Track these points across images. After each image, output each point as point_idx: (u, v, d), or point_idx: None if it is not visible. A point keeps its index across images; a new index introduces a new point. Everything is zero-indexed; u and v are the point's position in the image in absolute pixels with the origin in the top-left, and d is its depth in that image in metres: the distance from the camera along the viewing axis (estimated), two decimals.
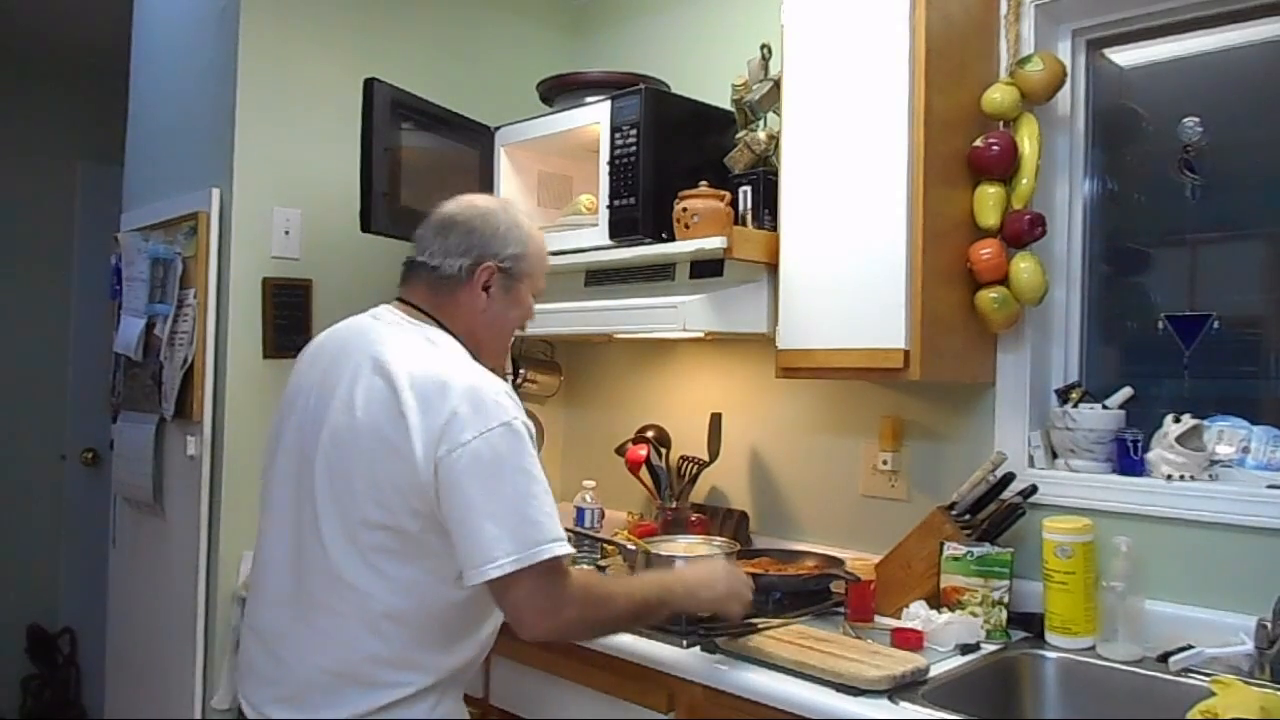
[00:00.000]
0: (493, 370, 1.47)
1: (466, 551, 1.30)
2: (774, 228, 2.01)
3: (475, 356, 1.47)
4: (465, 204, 1.56)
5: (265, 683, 1.43)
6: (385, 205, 2.11)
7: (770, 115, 2.14)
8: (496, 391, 1.37)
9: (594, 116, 2.14)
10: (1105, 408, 1.87)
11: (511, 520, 1.30)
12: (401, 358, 1.39)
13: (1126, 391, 1.87)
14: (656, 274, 2.12)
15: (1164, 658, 1.61)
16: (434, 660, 1.40)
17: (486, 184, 2.39)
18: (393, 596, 1.35)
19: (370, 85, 2.10)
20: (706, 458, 2.39)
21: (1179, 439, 1.75)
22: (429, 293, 1.53)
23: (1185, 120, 1.87)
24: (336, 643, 1.36)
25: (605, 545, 2.20)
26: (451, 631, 1.42)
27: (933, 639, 1.69)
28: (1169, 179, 1.89)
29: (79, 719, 3.86)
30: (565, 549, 1.33)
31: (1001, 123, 1.90)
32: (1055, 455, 1.94)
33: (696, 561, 1.85)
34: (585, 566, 2.00)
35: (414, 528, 1.34)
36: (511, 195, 2.40)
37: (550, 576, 1.32)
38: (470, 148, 2.37)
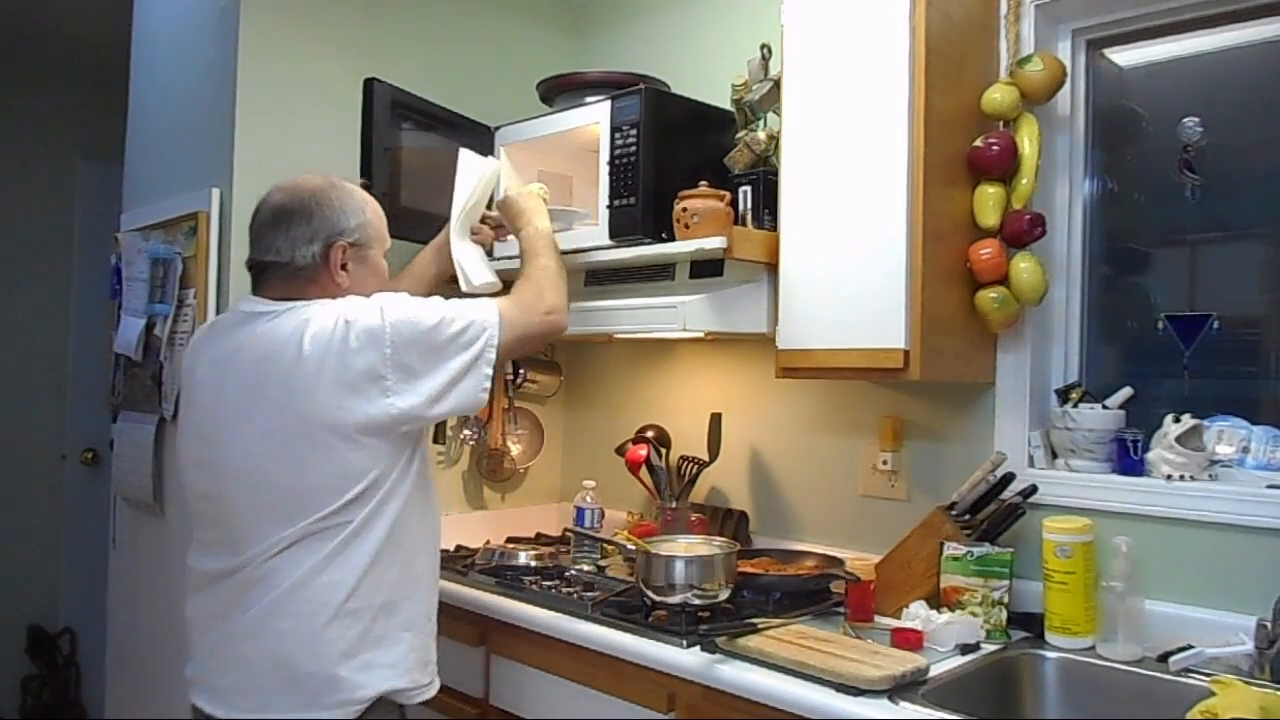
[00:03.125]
0: None
1: None
2: (774, 228, 2.01)
3: None
4: (290, 190, 1.57)
5: None
6: (385, 205, 2.09)
7: (770, 115, 2.14)
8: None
9: (594, 116, 2.14)
10: (1105, 408, 1.87)
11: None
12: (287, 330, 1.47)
13: (1126, 391, 1.87)
14: (656, 274, 2.12)
15: (1164, 658, 1.61)
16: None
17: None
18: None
19: (370, 85, 2.10)
20: (706, 458, 2.39)
21: (1179, 439, 1.75)
22: (287, 287, 1.54)
23: (1185, 120, 1.87)
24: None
25: (605, 545, 2.20)
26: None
27: (932, 639, 1.69)
28: (1169, 179, 1.89)
29: (79, 719, 3.86)
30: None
31: (1001, 123, 1.90)
32: (1055, 455, 1.94)
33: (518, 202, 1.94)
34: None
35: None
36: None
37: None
38: (470, 147, 2.36)
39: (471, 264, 1.96)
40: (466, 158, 2.00)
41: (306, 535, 1.44)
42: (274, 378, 1.44)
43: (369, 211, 1.60)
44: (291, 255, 1.52)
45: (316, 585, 1.44)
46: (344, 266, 1.55)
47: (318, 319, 1.46)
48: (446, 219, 1.98)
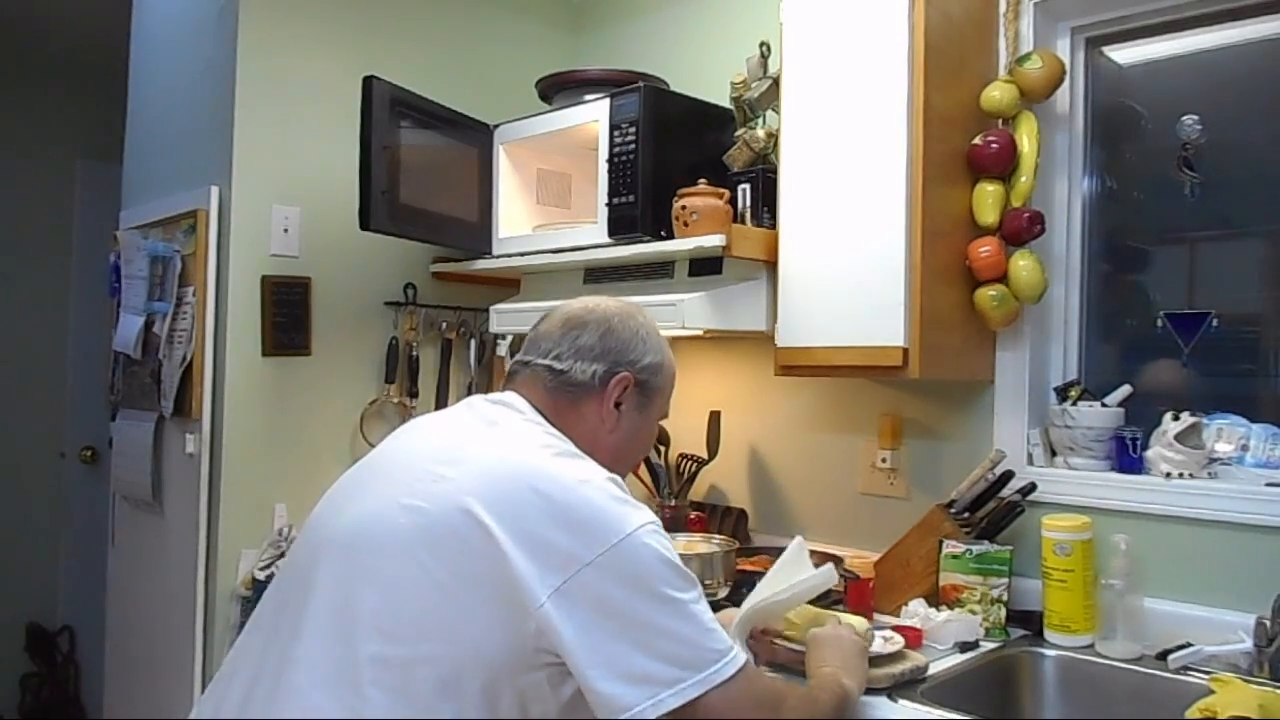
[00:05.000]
0: None
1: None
2: (773, 225, 2.01)
3: None
4: (592, 304, 1.34)
5: None
6: (384, 203, 2.11)
7: (769, 113, 2.14)
8: (604, 477, 1.16)
9: (593, 114, 2.14)
10: (1104, 405, 1.87)
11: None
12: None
13: (1125, 389, 1.87)
14: (655, 272, 2.12)
15: (1163, 655, 1.61)
16: None
17: (486, 182, 2.39)
18: None
19: (369, 83, 2.10)
20: (705, 455, 2.39)
21: (1178, 437, 1.75)
22: (548, 398, 1.28)
23: (1184, 118, 1.87)
24: None
25: None
26: None
27: (931, 637, 1.70)
28: (1168, 177, 1.89)
29: (78, 718, 3.86)
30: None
31: (1000, 120, 1.90)
32: (1054, 453, 1.94)
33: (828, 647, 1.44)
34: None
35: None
36: (510, 193, 2.40)
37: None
38: (469, 145, 2.37)
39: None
40: (801, 557, 1.58)
41: None
42: None
43: (665, 356, 1.35)
44: (571, 365, 1.28)
45: None
46: (619, 403, 1.30)
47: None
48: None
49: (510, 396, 1.29)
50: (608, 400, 1.28)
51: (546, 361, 1.29)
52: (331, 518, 1.23)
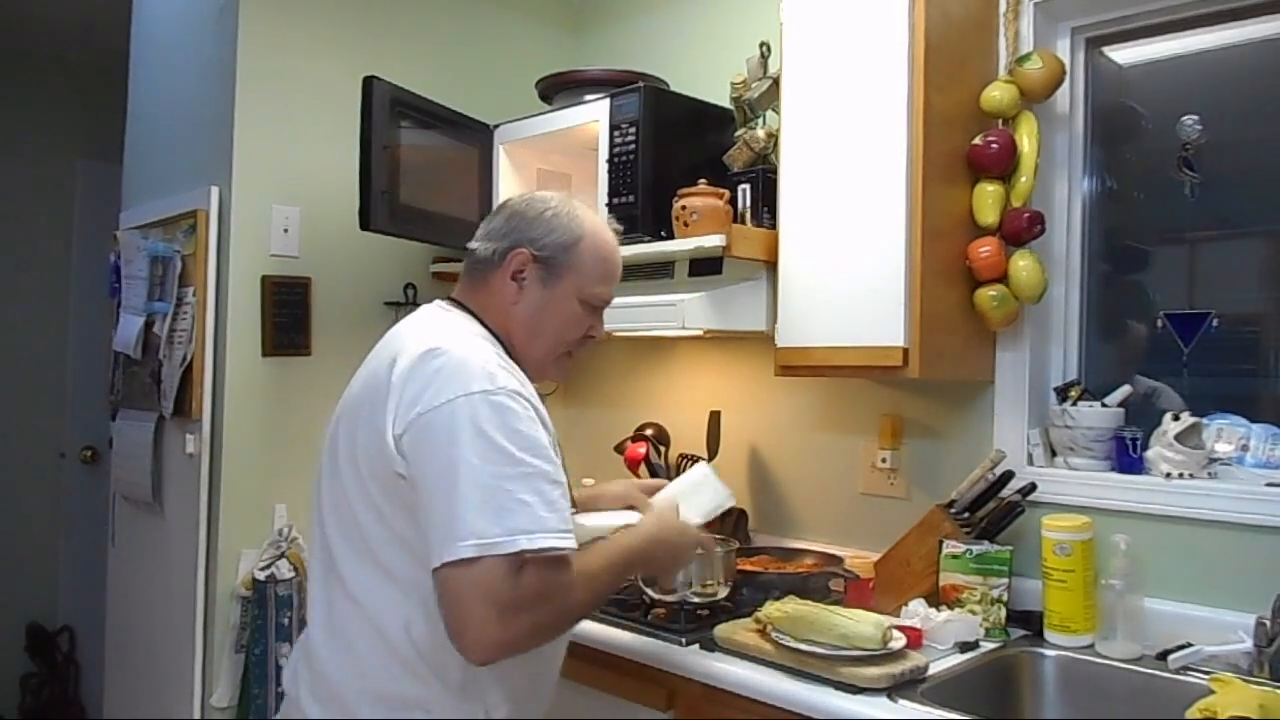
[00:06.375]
0: (532, 380, 1.34)
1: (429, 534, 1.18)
2: (773, 226, 2.01)
3: (512, 358, 1.34)
4: (524, 193, 1.46)
5: None
6: (384, 203, 2.11)
7: (769, 113, 2.14)
8: (483, 360, 1.24)
9: (593, 114, 2.14)
10: (1104, 405, 1.87)
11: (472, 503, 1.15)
12: (407, 338, 1.30)
13: (1125, 389, 1.87)
14: (655, 272, 2.12)
15: (1163, 656, 1.61)
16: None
17: (486, 182, 2.39)
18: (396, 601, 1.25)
19: (369, 83, 2.10)
20: (706, 455, 2.39)
21: (1178, 437, 1.75)
22: (467, 281, 1.43)
23: (1184, 118, 1.87)
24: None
25: None
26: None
27: (932, 637, 1.69)
28: (1168, 177, 1.89)
29: (78, 718, 3.86)
30: (542, 542, 1.16)
31: (1000, 121, 1.90)
32: (1054, 453, 1.94)
33: (658, 528, 1.50)
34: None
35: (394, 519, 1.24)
36: (510, 193, 2.39)
37: (506, 573, 1.14)
38: (469, 146, 2.37)
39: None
40: (709, 480, 1.69)
41: None
42: None
43: (583, 241, 1.40)
44: (480, 244, 1.41)
45: None
46: (518, 275, 1.38)
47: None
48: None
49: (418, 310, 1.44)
50: (505, 273, 1.38)
51: (471, 246, 1.43)
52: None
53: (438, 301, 1.44)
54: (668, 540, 1.50)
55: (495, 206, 1.45)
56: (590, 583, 1.26)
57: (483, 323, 1.38)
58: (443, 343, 1.26)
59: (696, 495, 1.65)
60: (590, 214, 1.44)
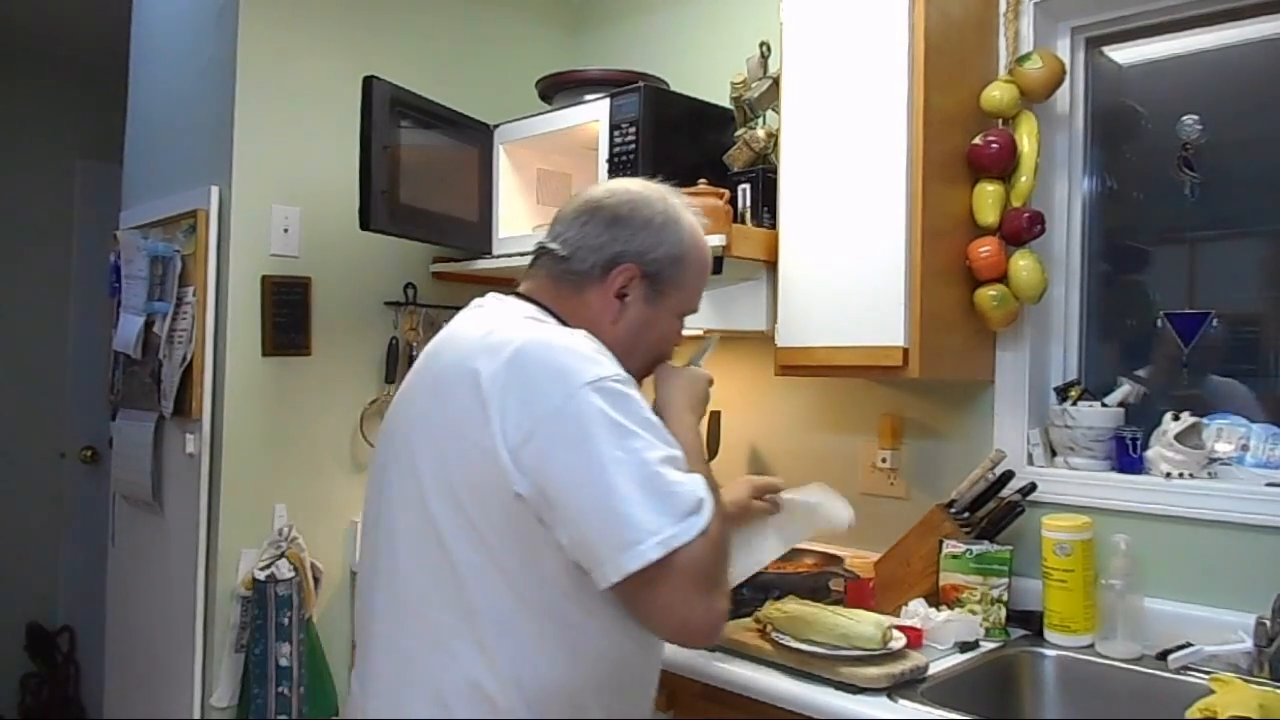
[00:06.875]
0: None
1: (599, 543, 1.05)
2: (773, 226, 2.01)
3: None
4: (616, 188, 1.29)
5: None
6: (384, 203, 2.11)
7: (769, 113, 2.14)
8: (585, 347, 1.13)
9: (593, 114, 2.14)
10: (1104, 405, 1.87)
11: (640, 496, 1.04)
12: (483, 338, 1.16)
13: (1126, 389, 1.87)
14: None
15: (1163, 655, 1.61)
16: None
17: (486, 182, 2.39)
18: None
19: (369, 83, 2.10)
20: (706, 456, 2.39)
21: (1178, 437, 1.75)
22: (552, 285, 1.26)
23: (1184, 118, 1.87)
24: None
25: None
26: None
27: (932, 637, 1.70)
28: (1168, 177, 1.89)
29: (78, 718, 3.86)
30: (706, 517, 1.07)
31: (1000, 120, 1.90)
32: (1054, 453, 1.94)
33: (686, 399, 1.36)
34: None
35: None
36: (510, 193, 2.40)
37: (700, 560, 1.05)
38: (469, 145, 2.37)
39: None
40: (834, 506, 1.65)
41: None
42: None
43: (691, 252, 1.29)
44: (573, 251, 1.25)
45: None
46: (623, 294, 1.25)
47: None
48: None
49: (487, 300, 1.28)
50: (609, 290, 1.24)
51: (554, 245, 1.26)
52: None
53: (501, 294, 1.29)
54: (691, 390, 1.36)
55: (583, 204, 1.28)
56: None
57: (565, 325, 1.23)
58: (533, 336, 1.14)
59: (817, 512, 1.63)
60: (688, 214, 1.31)
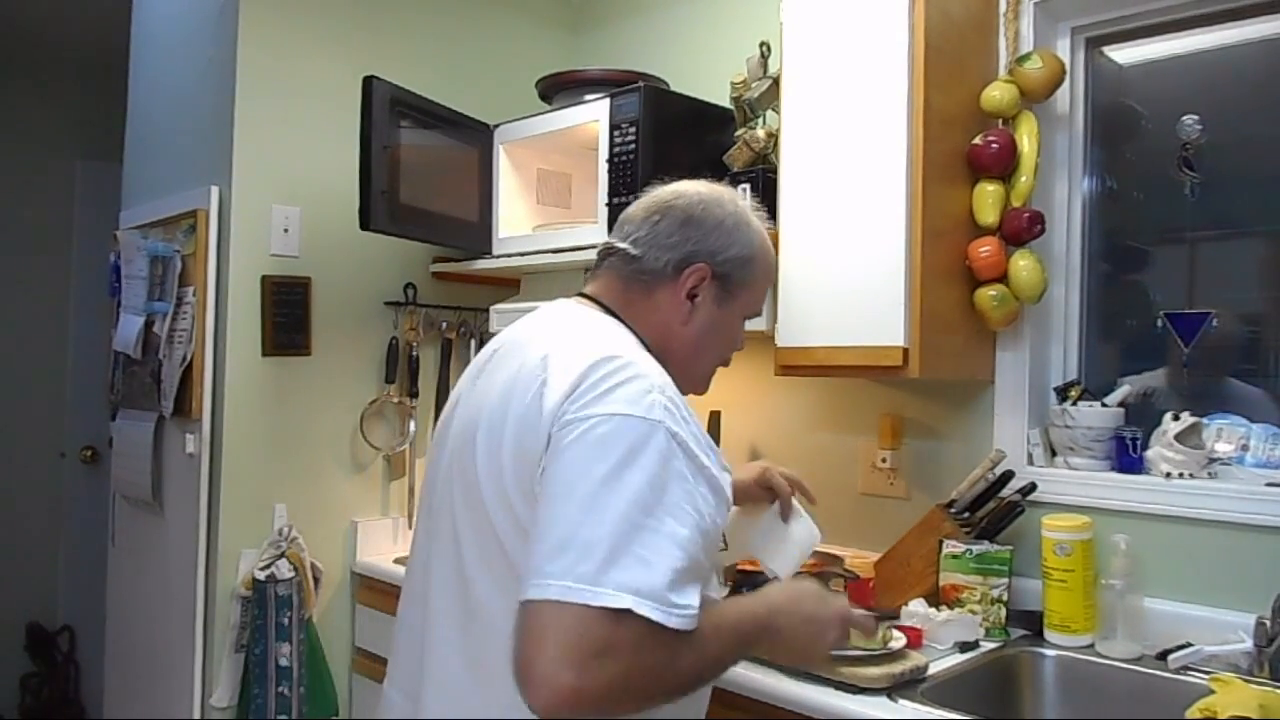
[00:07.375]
0: (681, 394, 1.12)
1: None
2: (773, 226, 2.01)
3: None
4: (684, 189, 1.27)
5: None
6: (384, 203, 2.11)
7: (769, 113, 2.14)
8: (662, 384, 1.07)
9: (593, 114, 2.14)
10: (1104, 405, 1.87)
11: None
12: (560, 340, 1.13)
13: (1126, 389, 1.87)
14: None
15: (1163, 655, 1.61)
16: None
17: (486, 182, 2.39)
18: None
19: (369, 83, 2.10)
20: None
21: (1178, 437, 1.75)
22: (620, 286, 1.24)
23: (1184, 118, 1.87)
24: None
25: None
26: None
27: (932, 637, 1.70)
28: (1168, 177, 1.89)
29: (78, 717, 3.86)
30: (644, 608, 0.91)
31: (1001, 120, 1.90)
32: (1054, 453, 1.94)
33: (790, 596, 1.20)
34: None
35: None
36: (510, 193, 2.40)
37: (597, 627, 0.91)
38: (469, 145, 2.37)
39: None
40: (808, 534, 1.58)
41: None
42: None
43: (759, 253, 1.28)
44: (645, 251, 1.22)
45: None
46: (693, 295, 1.22)
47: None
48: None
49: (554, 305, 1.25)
50: (680, 290, 1.22)
51: (624, 245, 1.24)
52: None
53: (574, 299, 1.26)
54: (810, 615, 1.18)
55: (652, 204, 1.26)
56: (709, 645, 1.00)
57: (634, 331, 1.21)
58: (616, 351, 1.08)
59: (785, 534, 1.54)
60: (755, 217, 1.30)
